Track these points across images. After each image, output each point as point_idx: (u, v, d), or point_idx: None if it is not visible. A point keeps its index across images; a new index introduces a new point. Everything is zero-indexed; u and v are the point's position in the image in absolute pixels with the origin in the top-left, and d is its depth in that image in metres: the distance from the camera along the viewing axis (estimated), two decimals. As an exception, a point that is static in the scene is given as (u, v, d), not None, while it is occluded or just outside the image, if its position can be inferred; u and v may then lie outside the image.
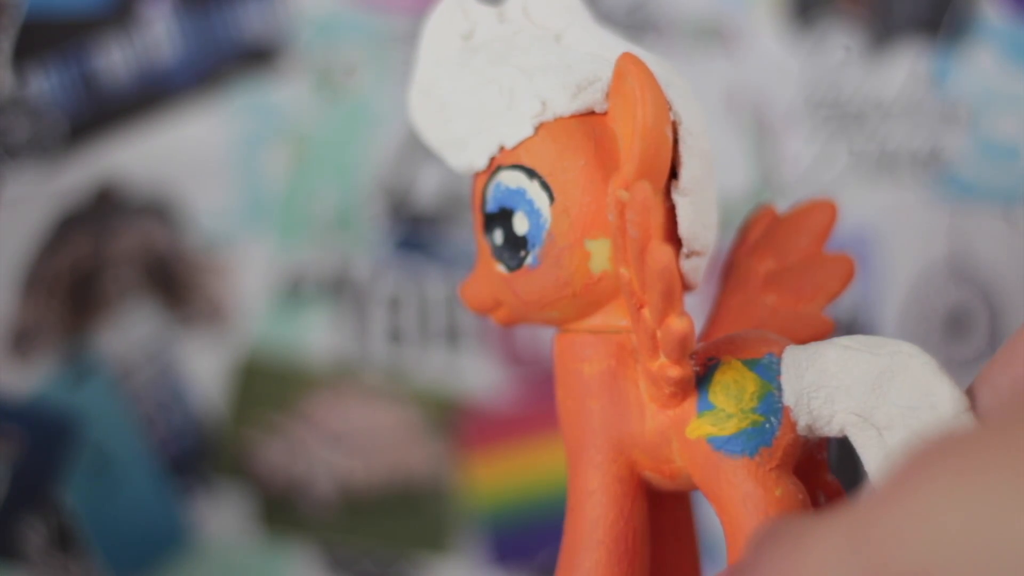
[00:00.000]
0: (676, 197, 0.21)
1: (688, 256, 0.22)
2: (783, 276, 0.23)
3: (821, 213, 0.23)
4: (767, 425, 0.20)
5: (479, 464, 0.49)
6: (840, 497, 0.22)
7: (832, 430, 0.20)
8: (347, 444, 0.49)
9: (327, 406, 0.49)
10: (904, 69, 0.50)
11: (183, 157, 0.48)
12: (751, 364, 0.20)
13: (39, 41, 0.47)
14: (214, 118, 0.49)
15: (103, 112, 0.48)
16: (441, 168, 0.49)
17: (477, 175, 0.23)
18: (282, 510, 0.49)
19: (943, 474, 0.12)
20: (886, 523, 0.13)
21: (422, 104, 0.24)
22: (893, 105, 0.50)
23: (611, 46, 0.22)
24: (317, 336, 0.49)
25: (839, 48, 0.50)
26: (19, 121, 0.47)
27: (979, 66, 0.50)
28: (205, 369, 0.49)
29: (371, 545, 0.49)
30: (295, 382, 0.49)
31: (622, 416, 0.21)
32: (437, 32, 0.23)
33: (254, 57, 0.49)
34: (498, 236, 0.22)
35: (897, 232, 0.50)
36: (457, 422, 0.49)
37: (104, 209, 0.48)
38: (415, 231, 0.49)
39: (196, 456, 0.49)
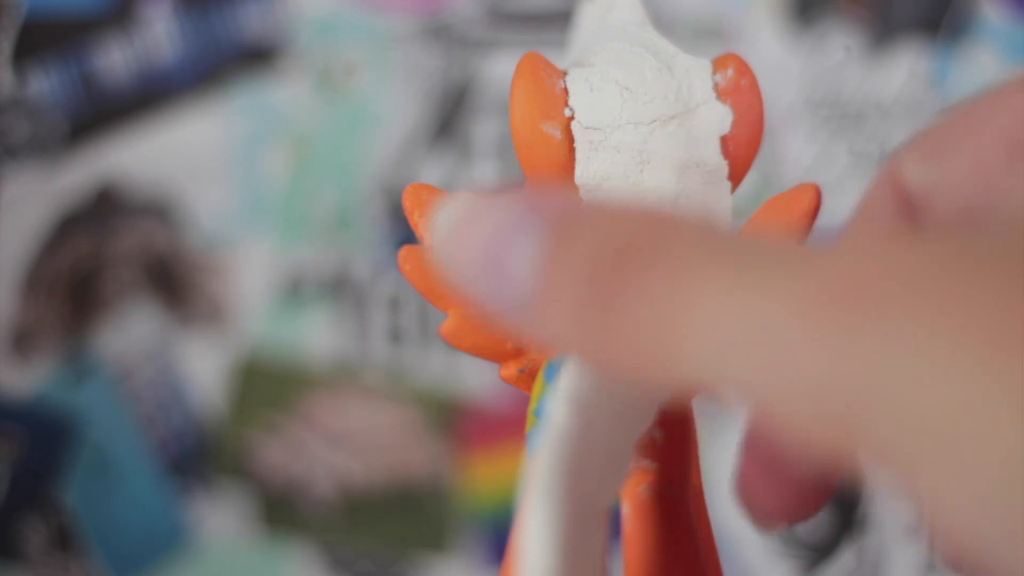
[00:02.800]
0: (582, 193, 0.21)
1: None
2: None
3: (798, 201, 0.22)
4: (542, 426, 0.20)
5: (479, 464, 0.49)
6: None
7: None
8: (347, 444, 0.49)
9: (327, 406, 0.49)
10: (904, 69, 0.50)
11: (183, 157, 0.48)
12: (548, 365, 0.20)
13: (39, 41, 0.47)
14: (214, 118, 0.49)
15: (103, 112, 0.48)
16: (441, 168, 0.49)
17: None
18: (282, 510, 0.49)
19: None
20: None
21: None
22: (893, 105, 0.50)
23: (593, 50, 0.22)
24: (317, 336, 0.49)
25: (839, 48, 0.50)
26: (19, 121, 0.47)
27: (979, 66, 0.50)
28: (205, 369, 0.49)
29: (371, 545, 0.49)
30: (295, 382, 0.49)
31: None
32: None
33: (254, 57, 0.49)
34: None
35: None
36: (457, 422, 0.49)
37: (104, 209, 0.48)
38: (415, 231, 0.49)
39: (196, 456, 0.49)
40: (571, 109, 0.21)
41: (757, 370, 0.11)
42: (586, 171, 0.21)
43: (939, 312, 0.10)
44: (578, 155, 0.21)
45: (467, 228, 0.14)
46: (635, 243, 0.12)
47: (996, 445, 0.10)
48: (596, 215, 0.13)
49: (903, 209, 0.16)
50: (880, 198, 0.16)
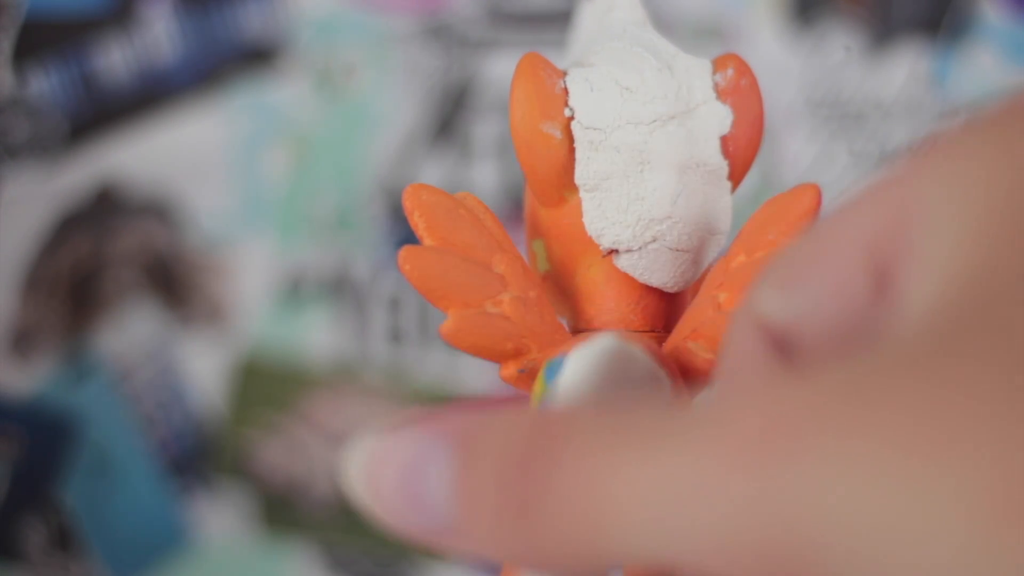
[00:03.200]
0: (581, 193, 0.21)
1: (608, 255, 0.22)
2: (738, 271, 0.23)
3: (797, 201, 0.22)
4: None
5: (479, 464, 0.49)
6: None
7: None
8: (347, 444, 0.49)
9: (327, 406, 0.49)
10: (904, 69, 0.50)
11: (183, 157, 0.48)
12: (549, 365, 0.20)
13: (39, 41, 0.47)
14: (214, 118, 0.49)
15: (103, 112, 0.48)
16: (441, 168, 0.49)
17: None
18: (282, 510, 0.49)
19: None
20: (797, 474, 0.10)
21: None
22: (893, 105, 0.50)
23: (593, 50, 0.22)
24: (317, 336, 0.49)
25: (839, 48, 0.50)
26: (19, 121, 0.47)
27: (979, 66, 0.50)
28: (205, 369, 0.49)
29: (371, 545, 0.49)
30: (295, 382, 0.49)
31: None
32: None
33: (254, 57, 0.49)
34: None
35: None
36: (457, 422, 0.49)
37: (104, 209, 0.48)
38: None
39: (196, 456, 0.49)
40: (571, 109, 0.21)
41: (690, 532, 0.11)
42: (586, 171, 0.21)
43: (849, 438, 0.10)
44: (578, 155, 0.21)
45: (379, 467, 0.14)
46: (536, 444, 0.13)
47: (948, 548, 0.09)
48: (492, 426, 0.13)
49: (773, 347, 0.15)
50: (746, 341, 0.15)
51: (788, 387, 0.11)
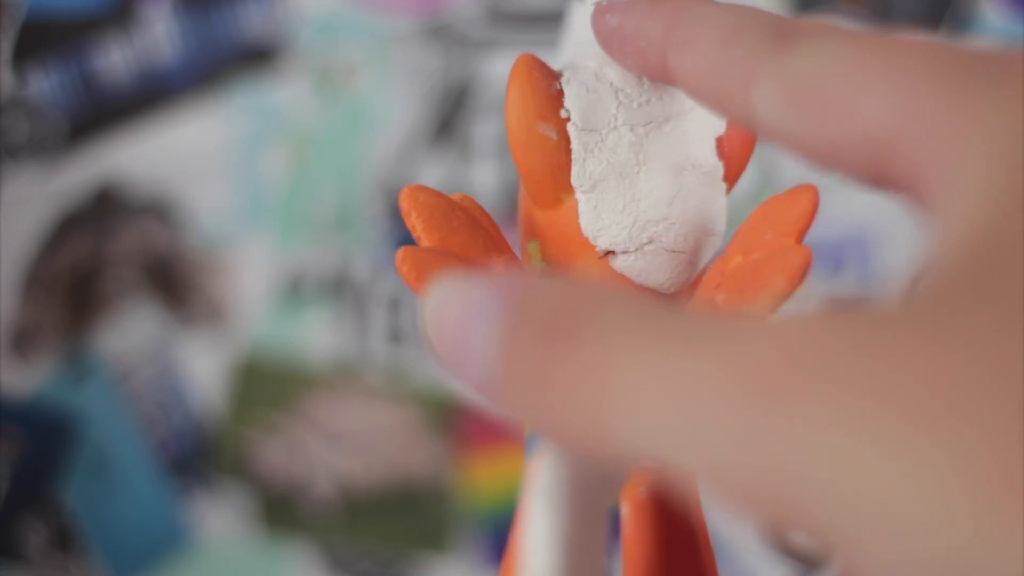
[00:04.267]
0: (577, 195, 0.21)
1: (605, 256, 0.22)
2: (736, 272, 0.23)
3: (795, 202, 0.22)
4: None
5: (479, 464, 0.49)
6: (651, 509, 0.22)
7: None
8: (347, 444, 0.49)
9: (327, 406, 0.49)
10: (904, 69, 0.50)
11: (183, 157, 0.48)
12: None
13: (39, 41, 0.47)
14: (214, 118, 0.49)
15: (103, 112, 0.48)
16: (441, 168, 0.49)
17: None
18: (282, 510, 0.49)
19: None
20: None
21: None
22: (893, 105, 0.50)
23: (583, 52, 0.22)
24: (317, 336, 0.49)
25: (839, 48, 0.50)
26: (19, 121, 0.47)
27: (979, 66, 0.50)
28: (205, 369, 0.49)
29: (371, 545, 0.49)
30: (295, 382, 0.49)
31: None
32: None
33: (254, 57, 0.49)
34: None
35: (897, 232, 0.50)
36: (457, 422, 0.49)
37: (104, 209, 0.48)
38: (415, 231, 0.49)
39: (196, 456, 0.49)
40: (567, 111, 0.21)
41: (687, 445, 0.11)
42: (582, 172, 0.21)
43: (875, 393, 0.10)
44: (574, 156, 0.21)
45: (444, 312, 0.15)
46: (565, 315, 0.13)
47: (950, 536, 0.09)
48: (539, 290, 0.14)
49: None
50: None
51: (822, 321, 0.11)
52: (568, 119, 0.21)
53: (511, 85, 0.20)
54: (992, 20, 0.50)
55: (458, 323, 0.14)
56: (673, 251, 0.22)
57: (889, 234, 0.50)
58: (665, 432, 0.11)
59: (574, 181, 0.21)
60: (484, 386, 0.14)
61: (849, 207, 0.49)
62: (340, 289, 0.49)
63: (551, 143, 0.21)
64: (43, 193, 0.47)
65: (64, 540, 0.47)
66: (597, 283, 0.13)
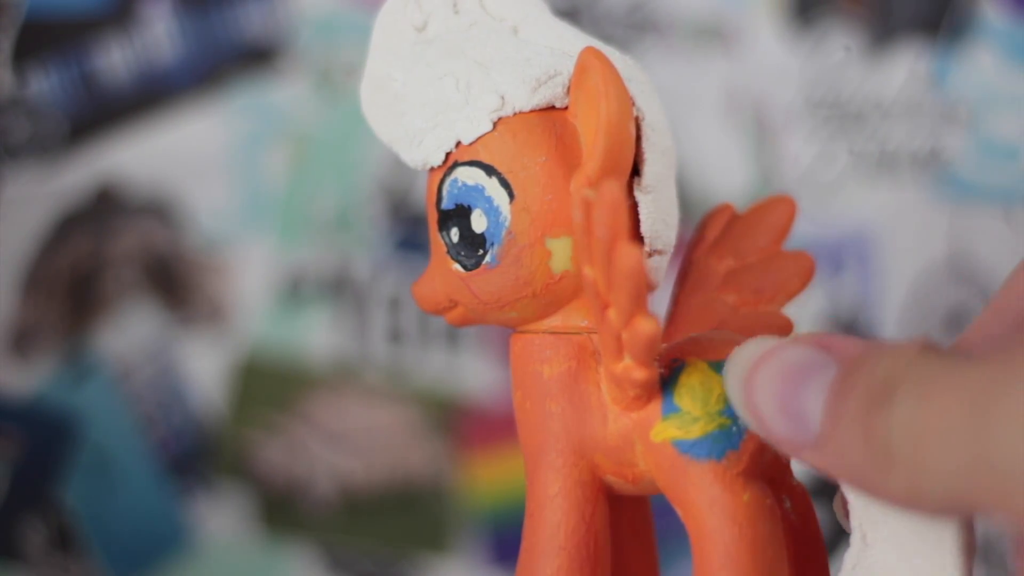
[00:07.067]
0: (639, 195, 0.21)
1: (650, 255, 0.21)
2: (743, 275, 0.23)
3: (780, 210, 0.23)
4: (734, 428, 0.19)
5: (479, 464, 0.49)
6: (806, 502, 0.22)
7: None
8: (347, 444, 0.49)
9: (327, 406, 0.49)
10: (904, 69, 0.50)
11: (183, 157, 0.48)
12: (717, 366, 0.19)
13: (39, 41, 0.47)
14: (214, 118, 0.49)
15: (103, 112, 0.48)
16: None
17: (432, 171, 0.22)
18: (282, 510, 0.49)
19: None
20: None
21: (374, 98, 0.23)
22: (893, 105, 0.50)
23: (570, 40, 0.22)
24: (317, 336, 0.49)
25: (839, 48, 0.50)
26: (19, 121, 0.47)
27: (979, 66, 0.50)
28: (205, 369, 0.49)
29: (371, 545, 0.49)
30: (295, 382, 0.49)
31: (583, 419, 0.20)
32: (389, 23, 0.22)
33: (254, 57, 0.49)
34: (454, 234, 0.21)
35: (897, 232, 0.50)
36: (457, 422, 0.49)
37: (104, 209, 0.48)
38: (415, 231, 0.49)
39: (196, 456, 0.49)
40: (639, 109, 0.20)
41: (1011, 489, 0.12)
42: (651, 171, 0.21)
43: None
44: (646, 155, 0.20)
45: (760, 372, 0.15)
46: (884, 381, 0.14)
47: None
48: (874, 355, 0.14)
49: None
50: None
51: None
52: (641, 117, 0.20)
53: (608, 80, 0.19)
54: (992, 20, 0.50)
55: (779, 380, 0.15)
56: (668, 251, 0.22)
57: (889, 234, 0.50)
58: (984, 478, 0.12)
59: (645, 180, 0.20)
60: (800, 443, 0.15)
61: (849, 207, 0.50)
62: (340, 289, 0.49)
63: (633, 140, 0.20)
64: (43, 193, 0.47)
65: (64, 540, 0.47)
66: (903, 345, 0.14)
